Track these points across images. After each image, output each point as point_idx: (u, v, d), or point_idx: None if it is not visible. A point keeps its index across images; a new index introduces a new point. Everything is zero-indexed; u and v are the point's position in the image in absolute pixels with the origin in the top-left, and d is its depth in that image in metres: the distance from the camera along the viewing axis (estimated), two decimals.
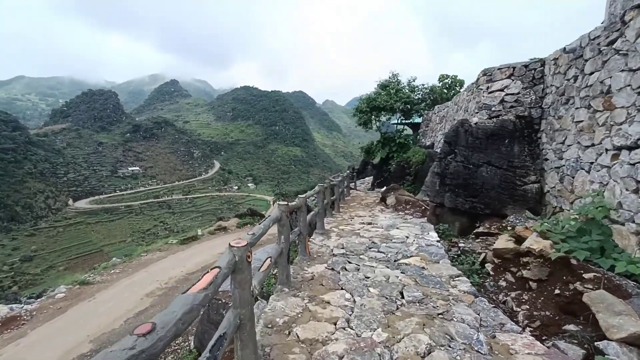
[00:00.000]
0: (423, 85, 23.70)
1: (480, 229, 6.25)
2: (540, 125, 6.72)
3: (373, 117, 21.15)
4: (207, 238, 33.24)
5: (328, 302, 3.61)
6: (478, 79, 7.75)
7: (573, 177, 5.31)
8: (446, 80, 28.65)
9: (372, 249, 5.72)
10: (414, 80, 22.76)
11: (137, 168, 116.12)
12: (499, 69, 7.12)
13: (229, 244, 2.17)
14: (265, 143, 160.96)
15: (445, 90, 27.61)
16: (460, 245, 5.77)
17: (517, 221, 6.18)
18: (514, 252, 4.69)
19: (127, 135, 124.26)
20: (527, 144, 6.67)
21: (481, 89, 7.39)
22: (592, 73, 4.82)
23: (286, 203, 3.91)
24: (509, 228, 5.98)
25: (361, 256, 5.33)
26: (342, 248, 5.80)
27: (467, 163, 7.00)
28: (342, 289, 4.02)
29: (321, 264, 4.99)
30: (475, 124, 7.05)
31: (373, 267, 4.82)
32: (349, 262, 5.00)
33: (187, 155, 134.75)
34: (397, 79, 22.14)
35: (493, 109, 7.12)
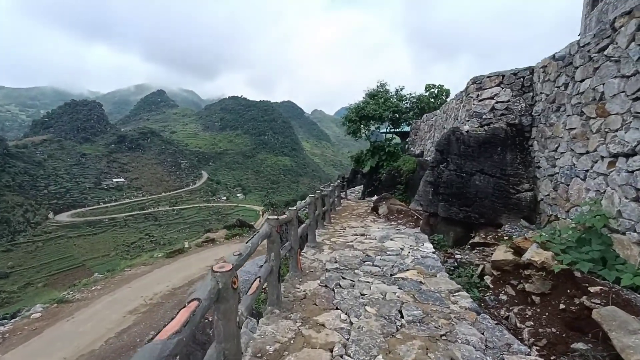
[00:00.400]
0: (410, 94, 23.97)
1: (476, 239, 6.09)
2: (531, 132, 6.69)
3: (362, 126, 21.18)
4: (194, 251, 32.27)
5: (323, 325, 3.34)
6: (467, 87, 7.73)
7: (568, 185, 5.24)
8: (433, 90, 29.04)
9: (367, 263, 5.47)
10: (401, 90, 23.00)
11: (122, 179, 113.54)
12: (488, 77, 7.11)
13: (211, 268, 1.91)
14: (254, 153, 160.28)
15: (432, 100, 28.00)
16: (456, 256, 5.59)
17: (513, 230, 6.06)
18: (514, 263, 4.53)
19: (112, 146, 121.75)
20: (519, 151, 6.62)
21: (471, 97, 7.36)
22: (583, 80, 4.79)
23: (276, 217, 3.64)
24: (505, 238, 5.85)
25: (356, 271, 5.08)
26: (336, 262, 5.54)
27: (460, 172, 6.89)
28: (337, 308, 3.75)
29: (314, 280, 4.72)
30: (467, 132, 6.98)
31: (369, 282, 4.57)
32: (343, 278, 4.74)
33: (174, 165, 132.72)
34: (385, 88, 22.32)
35: (484, 116, 7.08)
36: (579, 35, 9.13)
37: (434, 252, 6.02)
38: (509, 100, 6.82)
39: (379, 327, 3.29)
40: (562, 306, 3.60)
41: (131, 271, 27.87)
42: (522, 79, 6.75)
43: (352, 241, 7.00)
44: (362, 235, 7.54)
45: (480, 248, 5.97)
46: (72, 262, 70.10)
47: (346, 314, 3.60)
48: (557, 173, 5.58)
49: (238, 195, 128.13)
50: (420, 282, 4.61)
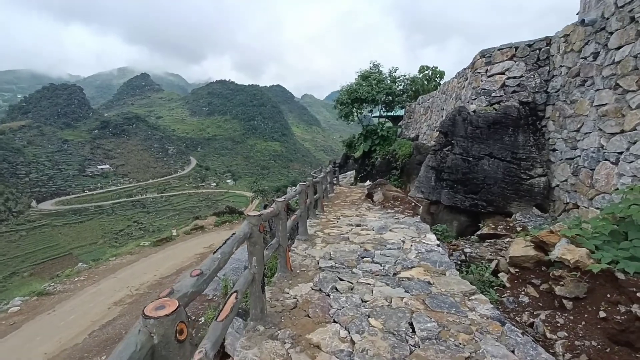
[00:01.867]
0: (404, 75, 23.06)
1: (485, 230, 5.50)
2: (545, 112, 6.04)
3: (354, 109, 20.31)
4: (182, 239, 31.43)
5: (317, 347, 2.68)
6: (474, 61, 6.99)
7: (592, 170, 4.63)
8: (426, 72, 28.23)
9: (366, 259, 4.83)
10: (395, 71, 22.07)
11: (107, 166, 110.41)
12: (499, 49, 6.37)
13: (143, 312, 1.18)
14: (243, 138, 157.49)
15: (426, 82, 27.19)
16: (465, 250, 4.99)
17: (526, 220, 5.48)
18: (536, 260, 3.94)
19: (95, 131, 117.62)
20: (532, 133, 5.98)
21: (479, 73, 6.63)
22: (620, 47, 4.09)
23: (259, 213, 2.91)
24: (518, 229, 5.27)
25: (354, 270, 4.42)
26: (330, 259, 4.87)
27: (467, 155, 6.24)
28: (334, 321, 3.10)
29: (306, 282, 4.05)
30: (475, 111, 6.28)
31: (370, 284, 3.92)
32: (340, 280, 4.09)
33: (162, 152, 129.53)
34: (379, 69, 21.38)
35: (493, 94, 6.38)
36: (577, 14, 8.35)
37: (438, 245, 5.41)
38: (522, 76, 6.12)
39: (388, 348, 2.64)
40: (602, 314, 3.02)
41: (117, 261, 27.01)
42: (537, 52, 6.03)
43: (347, 232, 6.35)
44: (358, 225, 6.90)
45: (491, 240, 5.38)
46: (59, 251, 68.51)
47: (346, 329, 2.95)
48: (579, 156, 4.97)
49: (228, 181, 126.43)
50: (429, 282, 3.99)
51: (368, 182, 17.82)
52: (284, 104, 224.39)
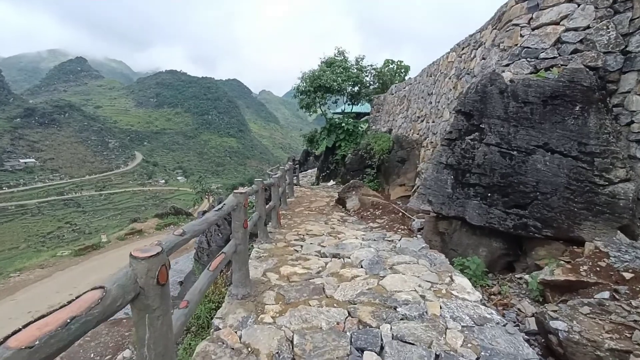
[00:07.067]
0: (372, 65, 21.05)
1: (555, 272, 3.22)
2: (620, 83, 3.96)
3: (317, 98, 17.79)
4: (114, 245, 26.29)
5: None
6: (505, 11, 4.76)
7: None
8: (391, 66, 26.73)
9: (367, 356, 2.27)
10: (362, 59, 19.95)
11: (33, 160, 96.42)
12: None
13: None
14: (196, 133, 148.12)
15: (391, 76, 25.66)
16: (555, 323, 2.63)
17: (616, 253, 3.31)
18: None
19: (17, 120, 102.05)
20: (606, 113, 3.85)
21: (515, 26, 4.40)
22: None
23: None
24: (620, 271, 3.06)
25: None
26: None
27: (508, 147, 3.96)
28: None
29: None
30: (513, 81, 4.02)
31: None
32: None
33: (101, 145, 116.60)
34: (344, 57, 19.09)
35: (541, 55, 4.19)
36: None
37: (482, 302, 3.04)
38: (588, 27, 3.98)
39: None
40: None
41: (20, 277, 21.37)
42: None
43: (319, 273, 3.75)
44: (335, 256, 4.32)
45: (567, 291, 3.12)
46: None
47: None
48: None
49: (179, 178, 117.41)
50: None
51: (332, 182, 15.46)
52: (241, 99, 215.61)
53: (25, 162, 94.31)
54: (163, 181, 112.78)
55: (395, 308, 2.93)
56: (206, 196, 37.95)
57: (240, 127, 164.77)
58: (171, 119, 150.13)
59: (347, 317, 2.79)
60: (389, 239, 5.18)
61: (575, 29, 4.04)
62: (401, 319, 2.76)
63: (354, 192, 8.27)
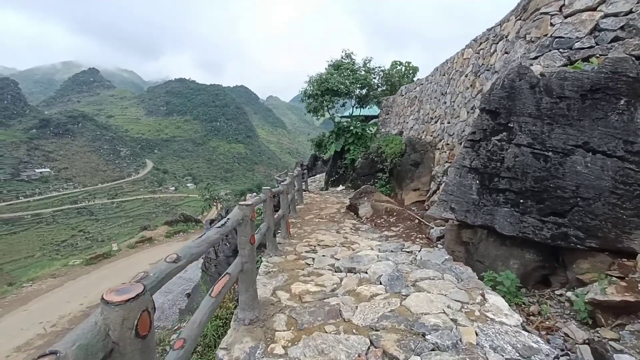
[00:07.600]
0: (379, 67, 20.71)
1: (612, 294, 2.79)
2: None
3: (325, 102, 17.50)
4: (125, 254, 26.34)
5: None
6: (528, 1, 4.37)
7: None
8: (399, 67, 26.38)
9: None
10: (369, 61, 19.63)
11: (48, 169, 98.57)
12: None
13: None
14: (205, 140, 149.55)
15: (399, 78, 25.31)
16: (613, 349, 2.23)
17: None
18: None
19: (33, 131, 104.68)
20: None
21: (545, 14, 4.01)
22: None
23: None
24: None
25: None
26: None
27: (542, 148, 3.56)
28: None
29: None
30: (557, 73, 3.62)
31: None
32: None
33: (113, 154, 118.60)
34: (352, 59, 18.80)
35: (575, 45, 3.78)
36: None
37: (523, 327, 2.64)
38: (631, 11, 3.56)
39: None
40: None
41: (33, 287, 21.51)
42: None
43: (334, 292, 3.40)
44: (350, 271, 3.96)
45: (622, 313, 2.70)
46: None
47: None
48: None
49: (188, 185, 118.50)
50: None
51: (341, 187, 15.09)
52: (248, 105, 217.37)
53: (41, 172, 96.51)
54: (173, 188, 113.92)
55: (423, 335, 2.55)
56: (214, 203, 37.88)
57: (248, 133, 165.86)
58: (180, 126, 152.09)
59: (369, 347, 2.42)
60: (408, 249, 4.80)
61: (616, 15, 3.63)
62: (432, 350, 2.38)
63: (365, 198, 7.90)
